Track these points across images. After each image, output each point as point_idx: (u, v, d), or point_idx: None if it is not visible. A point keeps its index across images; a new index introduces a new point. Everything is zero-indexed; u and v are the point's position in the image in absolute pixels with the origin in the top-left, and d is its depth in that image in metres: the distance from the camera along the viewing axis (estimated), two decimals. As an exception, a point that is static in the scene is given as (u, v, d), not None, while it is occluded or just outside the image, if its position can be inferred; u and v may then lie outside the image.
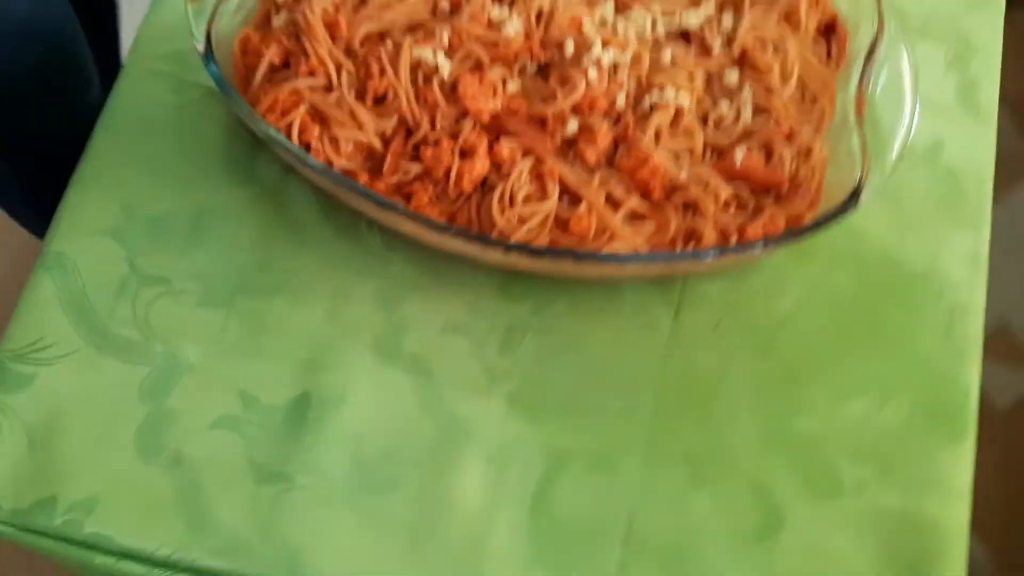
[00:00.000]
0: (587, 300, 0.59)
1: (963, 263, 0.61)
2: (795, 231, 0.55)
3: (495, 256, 0.55)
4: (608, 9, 0.60)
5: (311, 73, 0.56)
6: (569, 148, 0.57)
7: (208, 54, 0.54)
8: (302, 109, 0.55)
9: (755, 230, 0.55)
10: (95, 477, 0.52)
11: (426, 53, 0.56)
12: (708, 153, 0.58)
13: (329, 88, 0.56)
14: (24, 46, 0.69)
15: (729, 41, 0.60)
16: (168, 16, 0.63)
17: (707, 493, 0.55)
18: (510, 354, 0.58)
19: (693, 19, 0.60)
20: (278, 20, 0.58)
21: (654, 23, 0.60)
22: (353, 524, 0.53)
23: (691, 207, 0.56)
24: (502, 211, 0.55)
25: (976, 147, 0.65)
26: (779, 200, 0.57)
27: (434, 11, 0.59)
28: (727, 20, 0.61)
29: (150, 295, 0.56)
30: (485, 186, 0.56)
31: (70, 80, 0.70)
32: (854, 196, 0.54)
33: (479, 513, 0.54)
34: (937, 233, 0.62)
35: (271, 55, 0.57)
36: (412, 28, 0.58)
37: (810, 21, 0.60)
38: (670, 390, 0.57)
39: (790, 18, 0.60)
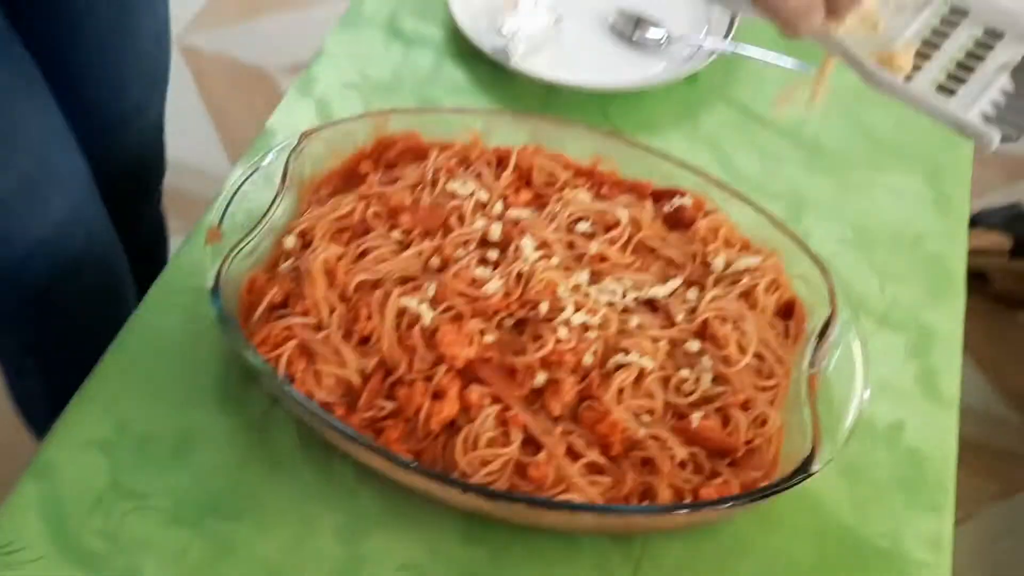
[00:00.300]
0: (545, 549, 0.60)
1: (926, 546, 0.62)
2: (746, 494, 0.56)
3: (455, 496, 0.57)
4: (583, 277, 0.65)
5: (305, 313, 0.62)
6: (536, 398, 0.61)
7: (215, 290, 0.60)
8: (292, 344, 0.60)
9: (708, 492, 0.57)
10: None
11: (411, 303, 0.62)
12: (668, 415, 0.61)
13: (319, 327, 0.62)
14: (60, 251, 0.77)
15: (692, 312, 0.65)
16: (196, 254, 0.70)
17: None
18: (466, 601, 0.58)
19: (660, 291, 0.66)
20: (285, 266, 0.65)
21: (624, 292, 0.65)
22: None
23: (648, 464, 0.59)
24: (465, 452, 0.58)
25: (938, 431, 0.67)
26: (734, 465, 0.59)
27: (425, 267, 0.65)
28: (691, 294, 0.66)
29: (124, 508, 0.59)
30: (453, 427, 0.59)
31: (102, 294, 0.76)
32: (804, 466, 0.56)
33: None
34: (899, 513, 0.63)
35: (272, 295, 0.63)
36: (403, 280, 0.64)
37: (768, 301, 0.65)
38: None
39: (748, 297, 0.65)
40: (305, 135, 0.69)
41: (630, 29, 0.88)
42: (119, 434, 0.62)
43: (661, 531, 0.61)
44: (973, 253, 0.81)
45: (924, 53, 0.47)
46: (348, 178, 0.71)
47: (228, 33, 1.88)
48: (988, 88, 0.46)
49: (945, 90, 0.46)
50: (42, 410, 0.94)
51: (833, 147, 0.83)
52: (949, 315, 0.73)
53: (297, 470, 0.62)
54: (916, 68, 0.47)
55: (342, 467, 0.62)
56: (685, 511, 0.56)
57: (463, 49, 0.86)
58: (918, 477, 0.65)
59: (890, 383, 0.69)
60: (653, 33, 0.88)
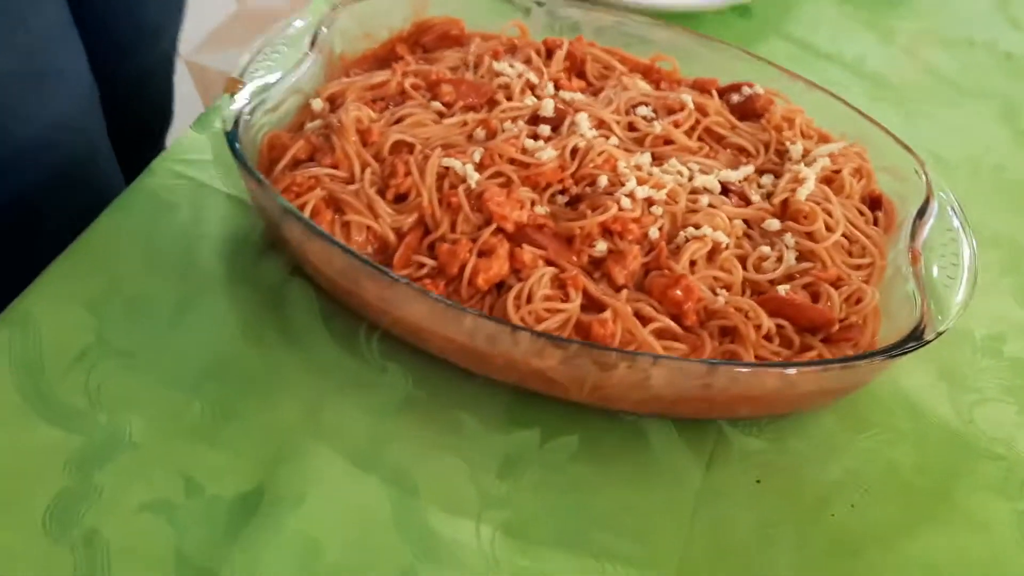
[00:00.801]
0: (602, 438, 0.51)
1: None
2: (864, 354, 0.48)
3: (502, 357, 0.49)
4: (645, 158, 0.58)
5: (334, 166, 0.54)
6: (596, 268, 0.53)
7: (233, 133, 0.53)
8: (318, 192, 0.53)
9: (801, 365, 0.49)
10: (-18, 546, 0.43)
11: (455, 163, 0.55)
12: (747, 292, 0.53)
13: (350, 181, 0.54)
14: (56, 155, 0.69)
15: (768, 197, 0.58)
16: (206, 135, 0.63)
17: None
18: (509, 481, 0.49)
19: (732, 175, 0.59)
20: (311, 125, 0.57)
21: (691, 175, 0.58)
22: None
23: (728, 334, 0.51)
24: (517, 308, 0.49)
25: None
26: (828, 342, 0.51)
27: (469, 137, 0.58)
28: (766, 180, 0.59)
29: (110, 367, 0.50)
30: (501, 289, 0.51)
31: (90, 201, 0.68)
32: (917, 333, 0.48)
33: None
34: (1011, 419, 0.55)
35: (297, 149, 0.55)
36: (445, 147, 0.57)
37: (854, 187, 0.58)
38: (700, 546, 0.47)
39: (832, 183, 0.58)
40: (337, 5, 0.63)
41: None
42: (109, 293, 0.53)
43: (740, 420, 0.52)
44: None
45: None
46: (382, 63, 0.65)
47: (237, 55, 1.86)
48: None
49: None
50: None
51: (897, 81, 0.78)
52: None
53: (315, 343, 0.53)
54: None
55: (368, 341, 0.53)
56: (792, 370, 0.47)
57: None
58: (1026, 386, 0.57)
59: (985, 297, 0.61)
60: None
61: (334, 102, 0.59)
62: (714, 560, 0.47)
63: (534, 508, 0.48)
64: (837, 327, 0.51)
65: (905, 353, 0.48)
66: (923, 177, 0.57)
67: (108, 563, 0.43)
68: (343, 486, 0.47)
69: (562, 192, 0.57)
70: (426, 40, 0.66)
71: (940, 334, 0.48)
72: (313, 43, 0.60)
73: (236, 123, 0.54)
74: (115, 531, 0.44)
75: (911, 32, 0.83)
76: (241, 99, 0.55)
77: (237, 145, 0.52)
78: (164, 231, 0.57)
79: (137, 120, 0.90)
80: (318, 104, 0.59)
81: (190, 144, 0.63)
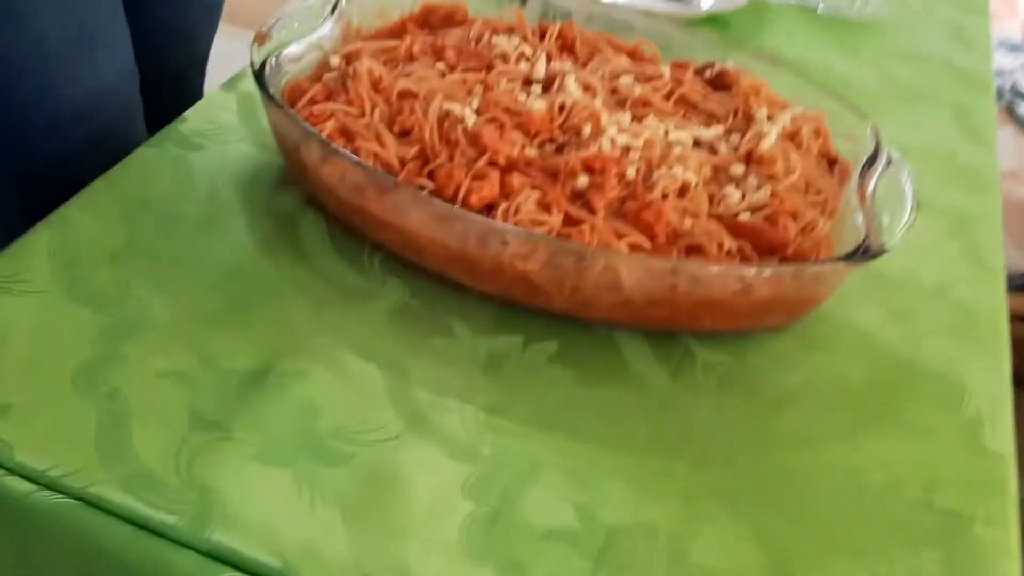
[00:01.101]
0: (580, 344, 0.56)
1: (985, 375, 0.58)
2: (809, 261, 0.54)
3: (491, 260, 0.54)
4: (626, 117, 0.65)
5: (348, 104, 0.61)
6: (578, 199, 0.59)
7: (260, 71, 0.60)
8: (332, 123, 0.59)
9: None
10: (16, 390, 0.47)
11: (455, 107, 0.61)
12: (712, 222, 0.59)
13: (361, 117, 0.61)
14: (97, 118, 0.76)
15: (736, 149, 0.64)
16: (233, 95, 0.70)
17: (704, 534, 0.47)
18: (492, 374, 0.54)
19: (704, 133, 0.65)
20: (328, 75, 0.64)
21: (667, 131, 0.65)
22: (287, 485, 0.46)
23: (694, 252, 0.56)
24: (505, 220, 0.55)
25: (986, 292, 0.64)
26: (783, 263, 0.57)
27: (469, 93, 0.65)
28: (734, 139, 0.66)
29: (139, 266, 0.55)
30: (492, 211, 0.57)
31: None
32: (862, 246, 0.54)
33: (433, 503, 0.46)
34: (954, 348, 0.60)
35: (315, 91, 0.62)
36: (447, 97, 0.64)
37: (813, 144, 0.65)
38: (665, 433, 0.52)
39: (793, 139, 0.65)
40: (358, -19, 0.71)
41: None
42: (141, 209, 0.59)
43: (705, 335, 0.58)
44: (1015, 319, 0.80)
45: None
46: (394, 38, 0.72)
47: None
48: None
49: None
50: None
51: (861, 87, 0.85)
52: (986, 207, 0.72)
53: (322, 260, 0.59)
54: None
55: (371, 260, 0.59)
56: (747, 271, 0.53)
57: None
58: (971, 324, 0.62)
59: (934, 254, 0.67)
60: (687, -11, 0.92)
61: (350, 59, 0.67)
62: (678, 443, 0.52)
63: (513, 396, 0.53)
64: (792, 250, 0.57)
65: (851, 262, 0.53)
66: (874, 136, 0.63)
67: (128, 416, 0.48)
68: (343, 367, 0.52)
69: (550, 140, 0.63)
70: (433, 20, 0.74)
71: (885, 250, 0.54)
72: (334, 9, 0.68)
73: (263, 65, 0.61)
74: (135, 391, 0.49)
75: (875, 50, 0.91)
76: (267, 47, 0.62)
77: (262, 77, 0.59)
78: (192, 165, 0.63)
79: (169, 119, 0.98)
80: (336, 60, 0.66)
81: (219, 102, 0.70)
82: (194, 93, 1.01)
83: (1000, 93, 2.42)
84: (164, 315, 0.53)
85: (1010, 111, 2.36)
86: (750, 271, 0.53)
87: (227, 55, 2.02)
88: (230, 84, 0.71)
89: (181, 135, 0.66)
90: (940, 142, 0.79)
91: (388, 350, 0.54)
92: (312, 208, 0.62)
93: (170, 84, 0.95)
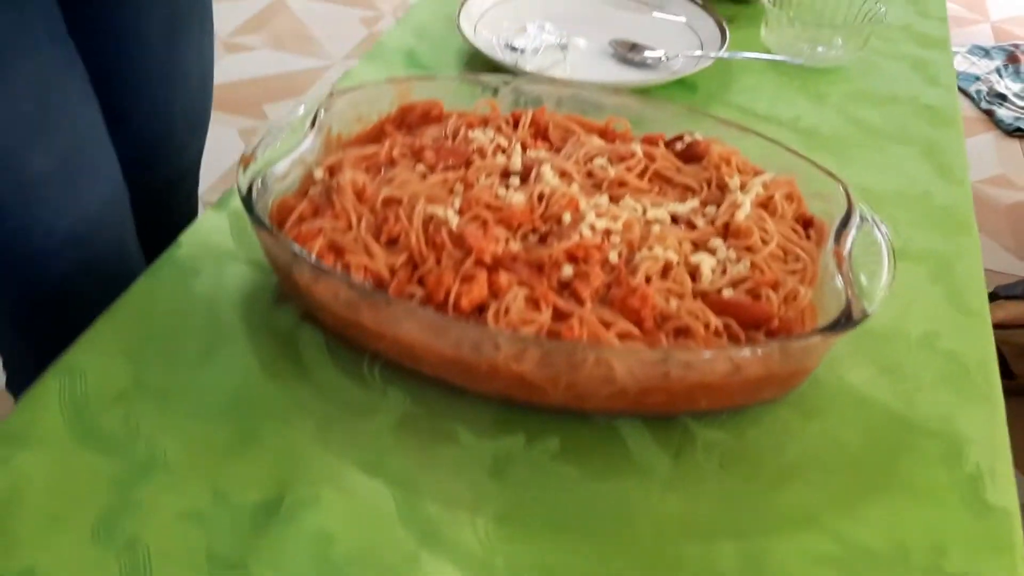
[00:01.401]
0: (581, 437, 0.58)
1: (980, 424, 0.59)
2: (795, 336, 0.55)
3: (487, 364, 0.56)
4: (603, 199, 0.67)
5: (335, 219, 0.63)
6: (564, 290, 0.61)
7: (248, 197, 0.62)
8: (321, 240, 0.61)
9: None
10: (38, 550, 0.49)
11: (438, 210, 0.63)
12: (697, 300, 0.61)
13: (349, 230, 0.63)
14: (87, 248, 0.78)
15: (712, 223, 0.66)
16: (224, 215, 0.72)
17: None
18: (499, 479, 0.55)
19: (680, 208, 0.67)
20: (313, 189, 0.66)
21: (644, 210, 0.67)
22: (307, 617, 0.47)
23: (682, 335, 0.58)
24: (496, 321, 0.57)
25: (973, 338, 0.66)
26: (770, 336, 0.58)
27: (450, 191, 0.67)
28: (709, 210, 0.67)
29: (146, 405, 0.57)
30: (482, 313, 0.59)
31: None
32: (843, 315, 0.55)
33: (451, 619, 0.47)
34: (947, 400, 0.61)
35: (302, 208, 0.64)
36: (429, 199, 0.66)
37: (787, 208, 0.67)
38: (671, 518, 0.53)
39: (767, 207, 0.67)
40: (333, 93, 0.73)
41: (627, 52, 0.96)
42: (145, 344, 0.61)
43: (702, 415, 0.59)
44: (997, 327, 0.81)
45: None
46: (374, 142, 0.75)
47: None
48: None
49: None
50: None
51: (829, 133, 0.87)
52: (965, 248, 0.74)
53: (323, 376, 0.60)
54: None
55: (370, 370, 0.61)
56: (737, 352, 0.54)
57: (477, 72, 0.93)
58: (962, 373, 0.63)
59: (917, 302, 0.69)
60: (651, 53, 0.95)
61: (333, 171, 0.69)
62: (685, 529, 0.53)
63: (522, 501, 0.54)
64: (777, 322, 0.58)
65: (836, 331, 0.55)
66: (845, 195, 0.65)
67: (149, 564, 0.49)
68: (352, 488, 0.53)
69: (532, 231, 0.65)
70: (410, 119, 0.76)
71: (867, 315, 0.55)
72: (313, 123, 0.70)
73: (250, 189, 0.63)
74: (154, 537, 0.50)
75: (841, 94, 0.93)
76: (253, 170, 0.64)
77: (251, 203, 0.61)
78: (190, 292, 0.65)
79: (162, 227, 1.00)
80: (319, 173, 0.68)
81: (211, 222, 0.71)
82: (188, 200, 1.03)
83: (977, 97, 2.44)
84: (174, 452, 0.54)
85: (989, 114, 2.38)
86: (739, 352, 0.54)
87: (220, 142, 2.05)
88: (221, 203, 0.73)
89: (177, 261, 0.67)
90: (912, 183, 0.81)
91: (395, 464, 0.55)
92: (309, 323, 0.64)
93: (162, 196, 0.97)
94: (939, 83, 0.96)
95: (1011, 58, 2.59)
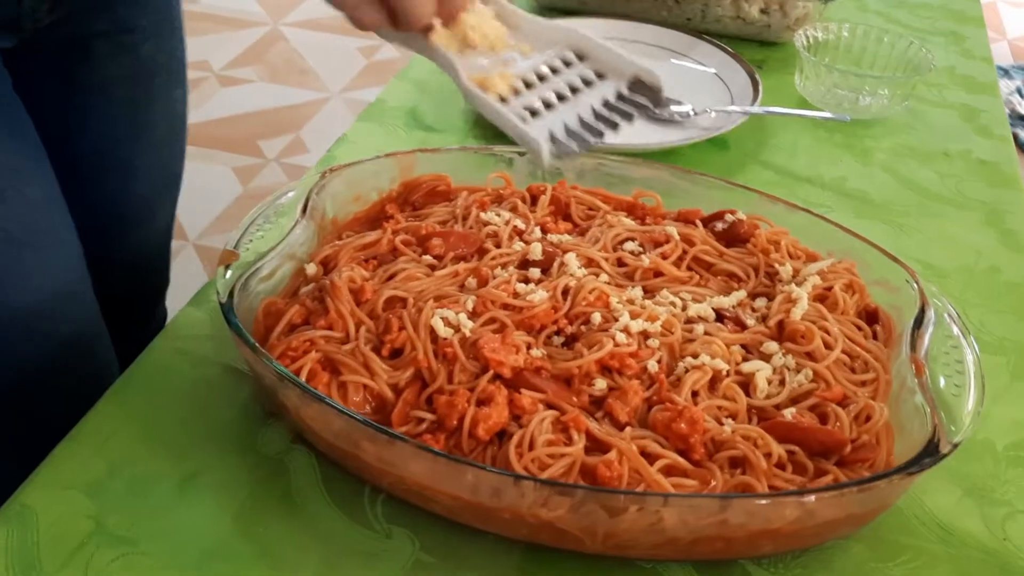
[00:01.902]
0: (623, 587, 0.49)
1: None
2: (875, 476, 0.46)
3: (509, 511, 0.47)
4: (636, 292, 0.59)
5: (329, 327, 0.54)
6: (598, 408, 0.52)
7: (228, 304, 0.53)
8: (313, 355, 0.53)
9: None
10: None
11: (448, 313, 0.55)
12: (753, 419, 0.52)
13: (345, 341, 0.54)
14: (41, 335, 0.69)
15: (763, 320, 0.58)
16: (203, 310, 0.64)
17: None
18: (527, 643, 0.46)
19: (725, 302, 0.59)
20: (305, 290, 0.58)
21: (685, 305, 0.58)
22: None
23: (739, 465, 0.49)
24: (520, 456, 0.48)
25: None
26: (842, 464, 0.50)
27: (461, 287, 0.59)
28: (759, 303, 0.59)
29: (109, 556, 0.48)
30: (503, 438, 0.50)
31: (85, 402, 0.68)
32: (932, 447, 0.47)
33: None
34: (1045, 530, 0.52)
35: (292, 314, 0.55)
36: (438, 299, 0.57)
37: (848, 302, 0.58)
38: None
39: (825, 300, 0.58)
40: (327, 172, 0.65)
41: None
42: (109, 476, 0.52)
43: (763, 558, 0.50)
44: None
45: (531, 83, 0.53)
46: (374, 223, 0.66)
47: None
48: (568, 113, 0.52)
49: (534, 113, 0.52)
50: None
51: (881, 198, 0.79)
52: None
53: (318, 513, 0.52)
54: (517, 93, 0.53)
55: (372, 506, 0.52)
56: (808, 497, 0.45)
57: (486, 133, 0.85)
58: (1058, 495, 0.54)
59: (1000, 404, 0.60)
60: (678, 107, 0.86)
61: (327, 265, 0.60)
62: None
63: (556, 669, 0.45)
64: (849, 448, 0.50)
65: (923, 469, 0.46)
66: (915, 286, 0.57)
67: None
68: (354, 663, 0.45)
69: (557, 333, 0.56)
70: (415, 198, 0.68)
71: (956, 446, 0.47)
72: (304, 209, 0.61)
73: (231, 294, 0.54)
74: None
75: (887, 150, 0.85)
76: (235, 270, 0.56)
77: (232, 314, 0.53)
78: (163, 409, 0.56)
79: (133, 288, 0.91)
80: (312, 268, 0.59)
81: (188, 321, 0.63)
82: (159, 270, 0.94)
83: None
84: (142, 622, 0.46)
85: (1013, 138, 2.30)
86: (811, 497, 0.46)
87: (214, 181, 1.97)
88: (198, 299, 0.64)
89: (148, 373, 0.59)
90: (978, 257, 0.72)
91: (403, 629, 0.47)
92: (301, 445, 0.55)
93: (132, 260, 0.88)
94: (992, 134, 0.87)
95: (1031, 78, 2.51)
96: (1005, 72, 2.56)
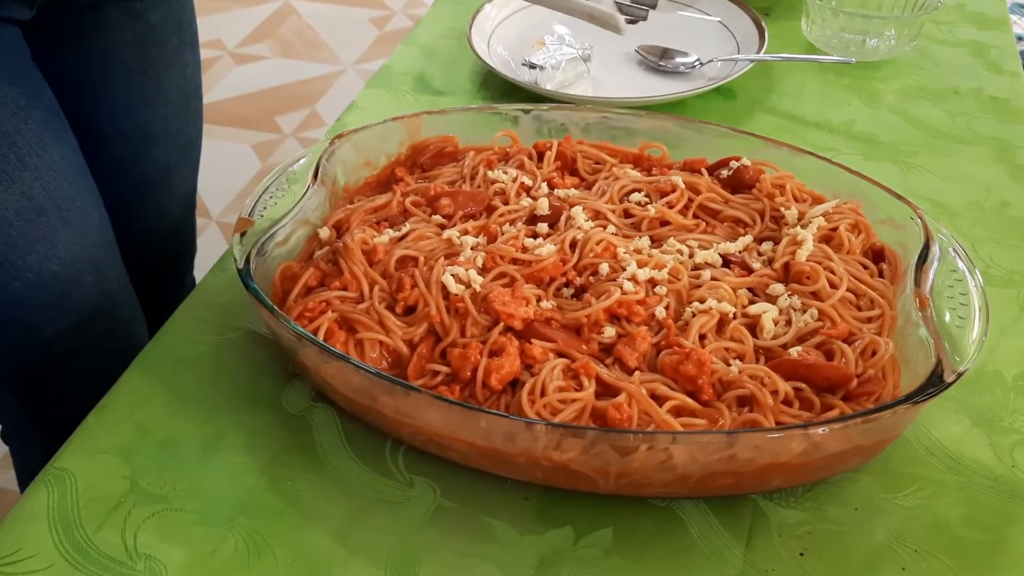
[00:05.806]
0: (637, 526, 0.50)
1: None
2: (878, 407, 0.47)
3: (524, 455, 0.49)
4: (643, 241, 0.60)
5: (343, 288, 0.56)
6: (607, 355, 0.53)
7: (245, 270, 0.55)
8: (330, 315, 0.54)
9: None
10: None
11: (459, 270, 0.56)
12: (760, 359, 0.53)
13: (359, 301, 0.56)
14: (65, 296, 0.72)
15: (769, 263, 0.58)
16: (223, 278, 0.65)
17: None
18: (547, 582, 0.48)
19: (732, 247, 0.59)
20: (319, 253, 0.60)
21: (691, 252, 0.59)
22: None
23: (747, 403, 0.50)
24: (532, 403, 0.50)
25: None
26: (848, 399, 0.51)
27: (471, 246, 0.60)
28: (765, 247, 0.60)
29: (144, 513, 0.51)
30: (515, 387, 0.52)
31: (116, 361, 0.70)
32: (936, 376, 0.48)
33: None
34: (1053, 458, 0.53)
35: (307, 277, 0.57)
36: (448, 256, 0.59)
37: (853, 241, 0.59)
38: (747, 625, 0.46)
39: (830, 240, 0.59)
40: (336, 138, 0.66)
41: (656, 59, 0.88)
42: (139, 440, 0.54)
43: (774, 492, 0.51)
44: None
45: None
46: (384, 187, 0.68)
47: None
48: None
49: None
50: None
51: (890, 139, 0.79)
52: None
53: (341, 466, 0.54)
54: None
55: (393, 457, 0.54)
56: (814, 430, 0.46)
57: (493, 93, 0.85)
58: (1068, 420, 0.55)
59: (1008, 336, 0.61)
60: (683, 59, 0.87)
61: (340, 228, 0.62)
62: (766, 638, 0.46)
63: (575, 606, 0.47)
64: (855, 383, 0.51)
65: (927, 399, 0.47)
66: (919, 222, 0.57)
67: None
68: (380, 604, 0.47)
69: (567, 285, 0.58)
70: (423, 160, 0.69)
71: (960, 375, 0.48)
72: (315, 176, 0.63)
73: (248, 260, 0.56)
74: None
75: (896, 91, 0.85)
76: (251, 237, 0.58)
77: (250, 279, 0.54)
78: (189, 375, 0.58)
79: (160, 257, 0.93)
80: (325, 232, 0.61)
81: (209, 289, 0.65)
82: (185, 234, 0.96)
83: None
84: (177, 573, 0.48)
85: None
86: (817, 430, 0.47)
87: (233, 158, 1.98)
88: (218, 269, 0.66)
89: (173, 339, 0.61)
90: (987, 192, 0.72)
91: (426, 572, 0.48)
92: (323, 403, 0.57)
93: (157, 225, 0.90)
94: (1003, 70, 0.87)
95: (1054, 16, 2.46)
96: (1021, 7, 2.51)
